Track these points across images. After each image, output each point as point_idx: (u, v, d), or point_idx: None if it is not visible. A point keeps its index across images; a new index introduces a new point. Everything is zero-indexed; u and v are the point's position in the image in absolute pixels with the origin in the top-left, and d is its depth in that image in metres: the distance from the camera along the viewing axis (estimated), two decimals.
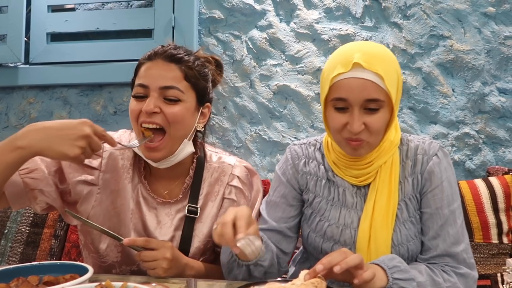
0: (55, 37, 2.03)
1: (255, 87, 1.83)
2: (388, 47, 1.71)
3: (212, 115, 1.83)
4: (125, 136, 1.12)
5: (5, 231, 1.72)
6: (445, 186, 0.99)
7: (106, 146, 1.06)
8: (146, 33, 1.90)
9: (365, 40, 1.73)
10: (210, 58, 1.12)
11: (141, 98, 0.98)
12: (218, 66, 1.14)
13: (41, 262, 0.79)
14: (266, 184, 1.59)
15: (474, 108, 1.66)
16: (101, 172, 1.05)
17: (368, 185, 1.02)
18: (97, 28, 1.95)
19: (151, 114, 0.96)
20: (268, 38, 1.82)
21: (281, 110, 1.81)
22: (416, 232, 1.00)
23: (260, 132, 1.82)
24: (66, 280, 0.71)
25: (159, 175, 1.08)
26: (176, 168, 1.06)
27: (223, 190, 1.09)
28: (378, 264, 0.87)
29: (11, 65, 2.04)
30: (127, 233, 1.03)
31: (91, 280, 0.71)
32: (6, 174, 0.87)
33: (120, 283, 0.63)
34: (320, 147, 1.11)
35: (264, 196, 1.17)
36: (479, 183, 1.47)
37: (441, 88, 1.68)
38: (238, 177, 1.11)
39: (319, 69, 1.77)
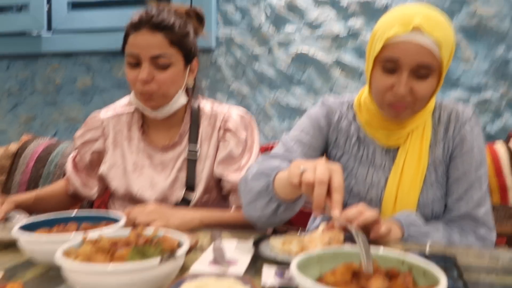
0: (76, 5, 2.06)
1: (273, 53, 1.84)
2: None
3: (231, 81, 1.88)
4: (124, 101, 1.24)
5: None
6: (475, 152, 1.00)
7: (102, 115, 1.22)
8: (164, 1, 1.91)
9: (385, 6, 1.71)
10: (190, 13, 1.17)
11: (134, 66, 1.08)
12: (199, 18, 1.19)
13: (79, 212, 0.85)
14: None
15: (496, 73, 1.65)
16: (106, 138, 1.19)
17: (398, 148, 1.03)
18: None
19: (146, 82, 1.06)
20: (286, 4, 1.81)
21: (300, 76, 1.82)
22: (442, 195, 1.02)
23: (278, 98, 1.85)
24: (103, 227, 0.77)
25: (157, 127, 1.18)
26: (172, 117, 1.16)
27: (217, 133, 1.16)
28: (394, 220, 0.91)
29: (35, 33, 2.08)
30: (136, 184, 1.14)
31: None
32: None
33: (152, 229, 0.69)
34: (351, 106, 1.10)
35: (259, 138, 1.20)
36: (499, 146, 1.48)
37: (463, 53, 1.67)
38: (230, 120, 1.17)
39: (338, 35, 1.76)
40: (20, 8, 2.16)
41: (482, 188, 0.99)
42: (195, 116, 1.17)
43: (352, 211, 0.80)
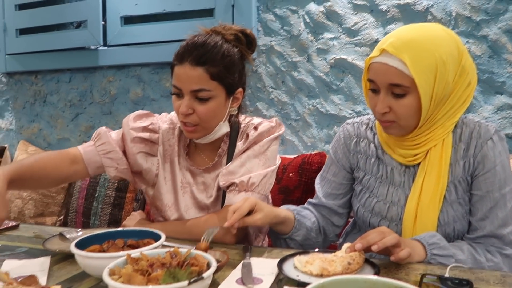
0: (127, 20, 2.21)
1: (312, 61, 1.87)
2: (451, 15, 1.65)
3: (271, 89, 1.93)
4: (176, 118, 1.25)
5: (96, 195, 2.00)
6: (498, 170, 0.98)
7: (160, 123, 1.24)
8: (208, 13, 2.01)
9: (425, 9, 1.68)
10: (240, 35, 1.15)
11: (178, 96, 1.12)
12: (249, 42, 1.17)
13: (126, 228, 0.96)
14: (322, 156, 1.67)
15: None
16: (159, 145, 1.23)
17: (418, 164, 1.04)
18: (164, 10, 2.09)
19: (187, 115, 1.10)
20: (325, 11, 1.83)
21: (338, 83, 1.84)
22: (463, 213, 1.02)
23: (317, 105, 1.88)
24: (144, 244, 0.87)
25: (200, 148, 1.23)
26: (215, 141, 1.20)
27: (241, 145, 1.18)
28: (418, 240, 0.93)
29: (92, 47, 2.27)
30: (183, 201, 1.20)
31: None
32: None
33: (186, 249, 0.78)
34: (372, 126, 1.15)
35: (275, 139, 1.20)
36: None
37: (509, 57, 1.60)
38: (255, 129, 1.18)
39: (376, 41, 1.76)
40: (79, 25, 2.36)
41: (507, 206, 0.98)
42: (234, 136, 1.21)
43: (372, 234, 0.84)
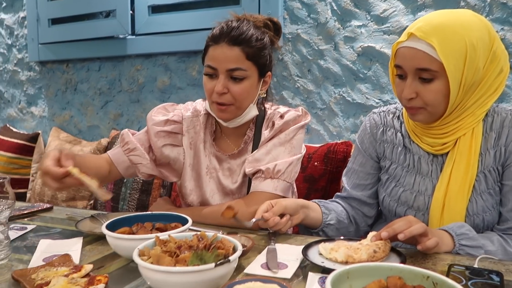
0: (155, 9, 2.24)
1: (339, 49, 1.85)
2: (485, 1, 1.59)
3: (296, 78, 1.92)
4: (201, 104, 1.30)
5: (124, 180, 2.05)
6: None
7: (183, 112, 1.27)
8: (234, 1, 2.01)
9: None
10: (269, 23, 1.21)
11: (211, 76, 1.14)
12: (276, 29, 1.24)
13: (154, 212, 0.99)
14: (347, 146, 1.65)
15: None
16: (183, 135, 1.26)
17: (446, 154, 1.03)
18: None
19: (221, 94, 1.12)
20: None
21: (366, 72, 1.81)
22: (493, 204, 1.00)
23: (344, 94, 1.86)
24: (172, 228, 0.89)
25: (227, 133, 1.25)
26: (242, 126, 1.22)
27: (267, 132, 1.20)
28: (446, 230, 0.92)
29: (121, 36, 2.31)
30: (208, 187, 1.23)
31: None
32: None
33: (212, 233, 0.79)
34: (399, 115, 1.14)
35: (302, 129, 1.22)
36: None
37: None
38: (281, 117, 1.19)
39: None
40: (108, 15, 2.40)
41: None
42: (260, 123, 1.23)
43: (399, 223, 0.83)
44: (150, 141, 1.25)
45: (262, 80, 1.19)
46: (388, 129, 1.14)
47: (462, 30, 0.92)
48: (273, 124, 1.20)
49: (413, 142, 1.08)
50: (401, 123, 1.12)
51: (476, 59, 0.93)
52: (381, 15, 1.76)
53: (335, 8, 1.84)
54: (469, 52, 0.92)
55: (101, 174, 1.20)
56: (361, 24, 1.80)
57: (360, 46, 1.80)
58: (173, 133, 1.26)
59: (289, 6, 1.93)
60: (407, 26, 1.71)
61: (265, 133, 1.21)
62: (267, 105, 1.27)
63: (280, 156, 1.16)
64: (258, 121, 1.23)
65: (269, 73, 1.21)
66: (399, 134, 1.11)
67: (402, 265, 0.65)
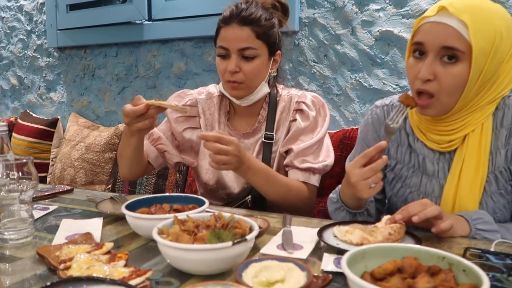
0: None
1: (356, 34, 1.83)
2: None
3: (313, 63, 1.91)
4: (215, 87, 1.36)
5: None
6: None
7: (197, 95, 1.33)
8: None
9: None
10: (276, 4, 1.25)
11: (224, 57, 1.20)
12: (284, 10, 1.27)
13: (172, 194, 1.01)
14: None
15: None
16: (200, 117, 1.32)
17: (454, 151, 0.97)
18: None
19: (234, 73, 1.17)
20: None
21: (383, 57, 1.79)
22: (505, 204, 0.95)
23: (360, 80, 1.84)
24: (190, 209, 0.91)
25: (240, 114, 1.30)
26: (254, 105, 1.27)
27: (290, 115, 1.26)
28: (462, 216, 0.91)
29: (138, 22, 2.32)
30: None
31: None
32: (139, 151, 1.22)
33: (228, 214, 0.81)
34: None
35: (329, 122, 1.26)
36: None
37: None
38: (303, 102, 1.25)
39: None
40: (125, 0, 2.42)
41: None
42: (273, 103, 1.27)
43: (414, 205, 0.83)
44: (172, 129, 1.32)
45: (272, 59, 1.24)
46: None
47: (494, 15, 0.87)
48: (297, 111, 1.25)
49: (418, 140, 1.02)
50: (405, 119, 1.06)
51: (501, 48, 0.87)
52: None
53: None
54: (497, 38, 0.86)
55: (145, 163, 1.29)
56: (379, 7, 1.77)
57: (378, 31, 1.77)
58: (191, 117, 1.32)
59: None
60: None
61: (284, 116, 1.26)
62: (279, 87, 1.32)
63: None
64: (271, 102, 1.28)
65: (278, 52, 1.25)
66: (403, 132, 1.06)
67: (417, 246, 0.65)
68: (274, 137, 1.26)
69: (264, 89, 1.24)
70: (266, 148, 1.25)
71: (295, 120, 1.25)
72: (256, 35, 1.17)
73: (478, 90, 0.90)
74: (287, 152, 1.24)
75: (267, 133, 1.26)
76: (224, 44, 1.18)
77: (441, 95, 0.90)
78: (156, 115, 1.09)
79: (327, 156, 1.25)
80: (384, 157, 0.90)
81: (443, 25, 0.86)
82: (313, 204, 1.27)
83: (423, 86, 0.90)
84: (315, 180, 1.23)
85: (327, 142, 1.28)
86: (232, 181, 1.29)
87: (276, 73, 1.29)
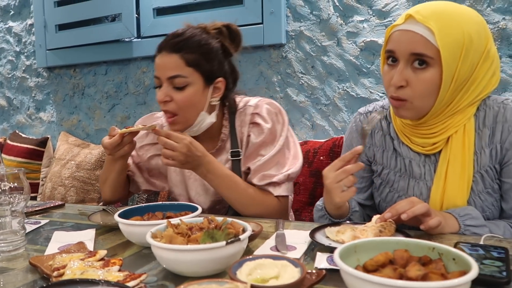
0: (160, 11, 2.27)
1: (342, 45, 1.87)
2: None
3: (300, 75, 1.95)
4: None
5: None
6: None
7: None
8: (238, 1, 2.03)
9: None
10: (223, 29, 1.16)
11: (159, 87, 1.14)
12: (232, 35, 1.18)
13: (164, 202, 1.02)
14: None
15: None
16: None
17: (439, 152, 0.98)
18: (195, 0, 2.13)
19: (165, 102, 1.12)
20: None
21: (369, 66, 1.83)
22: (493, 201, 0.97)
23: (347, 89, 1.88)
24: (182, 216, 0.92)
25: (201, 137, 1.20)
26: (210, 129, 1.20)
27: (246, 130, 1.20)
28: (450, 213, 0.92)
29: (127, 39, 2.34)
30: (192, 188, 1.26)
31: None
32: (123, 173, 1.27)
33: (221, 218, 0.81)
34: (386, 115, 1.08)
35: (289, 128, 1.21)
36: None
37: None
38: (257, 114, 1.19)
39: None
40: (114, 19, 2.45)
41: None
42: (233, 120, 1.22)
43: (402, 203, 0.85)
44: (138, 157, 1.32)
45: (211, 87, 1.14)
46: (376, 131, 1.09)
47: (461, 20, 0.89)
48: (253, 124, 1.19)
49: (403, 144, 1.03)
50: (389, 124, 1.07)
51: (471, 52, 0.89)
52: (383, 10, 1.78)
53: (337, 4, 1.86)
54: (466, 43, 0.88)
55: (127, 184, 1.32)
56: (363, 19, 1.82)
57: (363, 41, 1.82)
58: (155, 143, 1.30)
59: (292, 3, 1.95)
60: None
61: (242, 129, 1.20)
62: (237, 98, 1.25)
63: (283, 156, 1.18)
64: (231, 117, 1.22)
65: (220, 79, 1.15)
66: (388, 137, 1.07)
67: (408, 238, 0.67)
68: (241, 153, 1.21)
69: (207, 120, 1.16)
70: (235, 165, 1.21)
71: (250, 135, 1.19)
72: (186, 62, 1.09)
73: (454, 93, 0.92)
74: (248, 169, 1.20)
75: (233, 150, 1.20)
76: (156, 73, 1.13)
77: (414, 99, 0.92)
78: (131, 140, 1.16)
79: (292, 164, 1.18)
80: (360, 163, 0.92)
81: (411, 32, 0.89)
82: (286, 214, 1.22)
83: (396, 93, 0.93)
84: (281, 190, 1.16)
85: (293, 147, 1.21)
86: (204, 202, 1.25)
87: (219, 101, 1.19)
